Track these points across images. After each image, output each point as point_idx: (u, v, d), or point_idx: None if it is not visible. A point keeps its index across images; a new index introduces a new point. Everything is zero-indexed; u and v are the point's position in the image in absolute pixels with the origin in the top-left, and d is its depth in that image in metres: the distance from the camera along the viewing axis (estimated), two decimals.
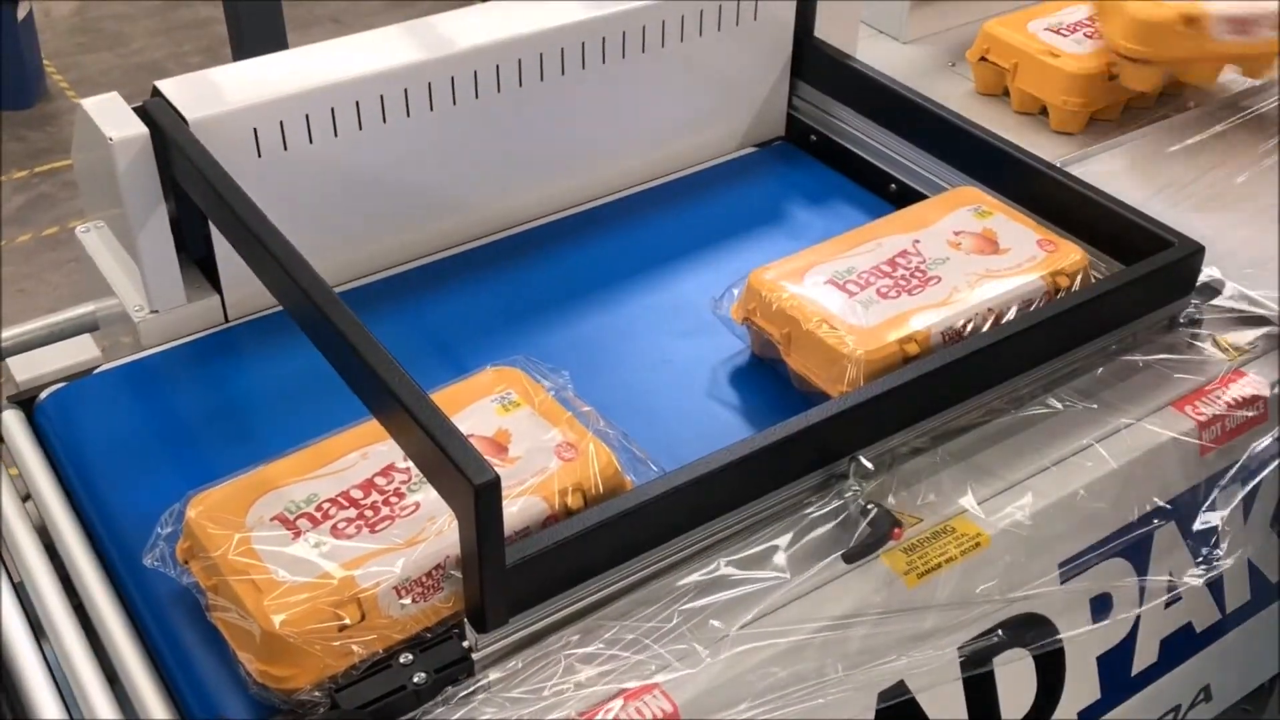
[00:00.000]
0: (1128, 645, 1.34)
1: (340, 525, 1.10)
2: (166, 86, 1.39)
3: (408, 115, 1.47)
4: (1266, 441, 1.36)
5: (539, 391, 1.24)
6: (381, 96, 1.45)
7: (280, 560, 1.06)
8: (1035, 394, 1.33)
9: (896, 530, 1.15)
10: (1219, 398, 1.35)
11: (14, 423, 1.36)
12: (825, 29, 1.75)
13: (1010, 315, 1.32)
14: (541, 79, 1.55)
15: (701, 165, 1.76)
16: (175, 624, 1.12)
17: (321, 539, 1.08)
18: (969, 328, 1.31)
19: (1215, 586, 1.41)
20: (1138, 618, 1.33)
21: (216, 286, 1.46)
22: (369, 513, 1.11)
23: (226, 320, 1.47)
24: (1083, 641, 1.28)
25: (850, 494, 1.19)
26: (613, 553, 1.09)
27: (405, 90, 1.46)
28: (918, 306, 1.32)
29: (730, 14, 1.67)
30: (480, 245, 1.60)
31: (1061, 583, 1.24)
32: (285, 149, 1.41)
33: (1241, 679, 1.55)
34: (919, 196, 1.60)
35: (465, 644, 1.04)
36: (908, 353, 1.27)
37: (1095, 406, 1.33)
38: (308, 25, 5.19)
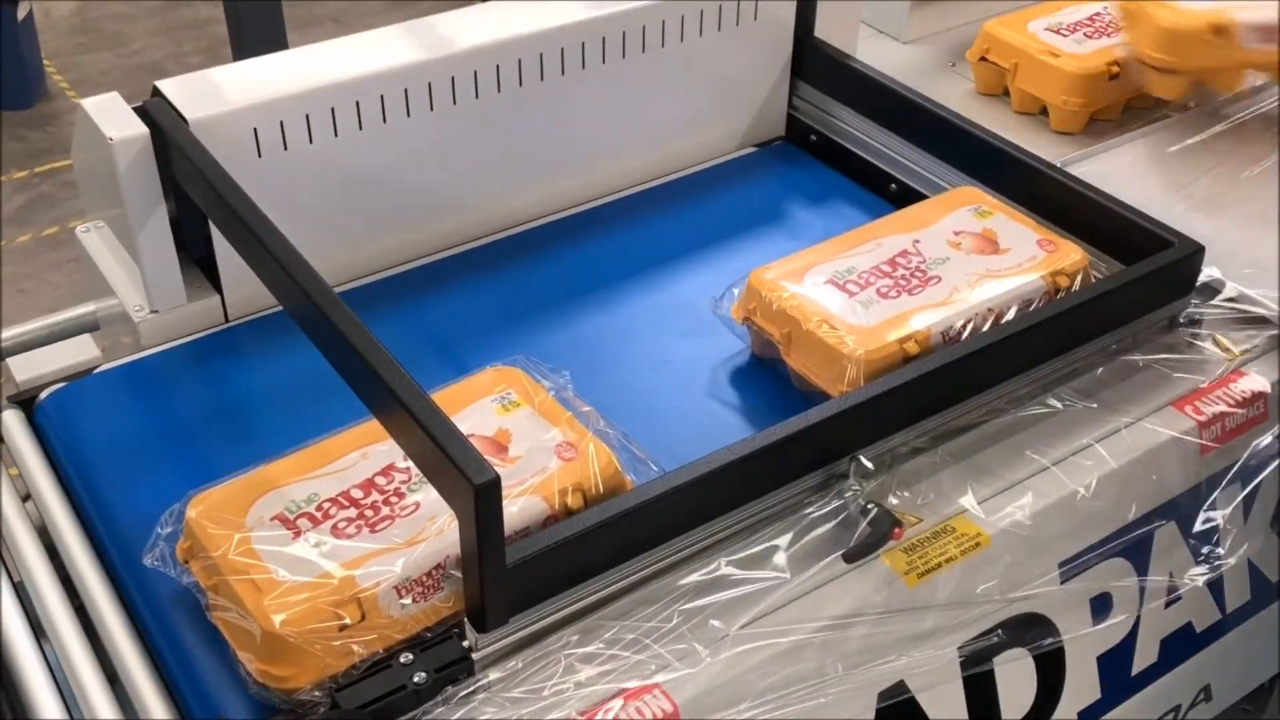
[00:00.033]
0: (1128, 645, 1.34)
1: (340, 525, 1.10)
2: (167, 86, 1.39)
3: (408, 115, 1.47)
4: (1266, 441, 1.36)
5: (539, 391, 1.24)
6: (382, 96, 1.45)
7: (280, 560, 1.06)
8: (1035, 394, 1.33)
9: (897, 530, 1.15)
10: (1219, 397, 1.35)
11: (14, 423, 1.36)
12: (825, 29, 1.75)
13: (1010, 315, 1.32)
14: (541, 79, 1.55)
15: (701, 165, 1.76)
16: (175, 624, 1.12)
17: (322, 539, 1.08)
18: (969, 328, 1.31)
19: (1215, 586, 1.41)
20: (1138, 618, 1.33)
21: (217, 286, 1.46)
22: (369, 512, 1.11)
23: (226, 320, 1.47)
24: (1083, 641, 1.28)
25: (850, 494, 1.19)
26: (613, 552, 1.09)
27: (405, 90, 1.46)
28: (918, 306, 1.32)
29: (730, 14, 1.67)
30: (480, 245, 1.60)
31: (1062, 583, 1.24)
32: (285, 149, 1.42)
33: (1241, 679, 1.55)
34: (919, 196, 1.60)
35: (465, 644, 1.04)
36: (908, 352, 1.27)
37: (1095, 406, 1.33)
38: (308, 25, 5.19)
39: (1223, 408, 1.34)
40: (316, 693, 1.02)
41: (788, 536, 1.16)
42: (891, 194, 1.67)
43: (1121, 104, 1.84)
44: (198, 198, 1.33)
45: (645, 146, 1.70)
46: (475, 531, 0.97)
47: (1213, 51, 1.71)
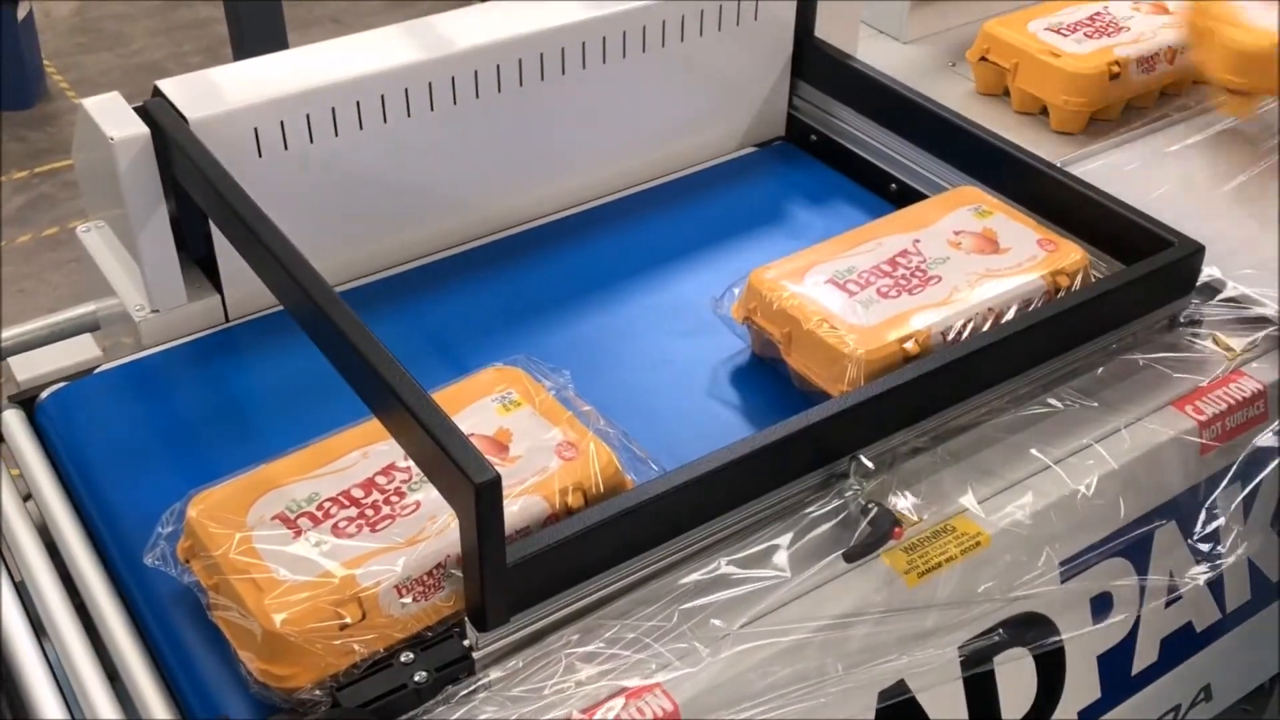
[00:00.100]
0: (1128, 645, 1.34)
1: (341, 524, 1.10)
2: (167, 86, 1.39)
3: (408, 115, 1.47)
4: (1267, 441, 1.36)
5: (540, 391, 1.24)
6: (382, 96, 1.45)
7: (281, 559, 1.06)
8: (1035, 393, 1.33)
9: (897, 529, 1.15)
10: (1219, 397, 1.35)
11: (15, 422, 1.36)
12: (825, 29, 1.75)
13: (1010, 315, 1.32)
14: (542, 79, 1.55)
15: (702, 165, 1.76)
16: (176, 623, 1.12)
17: (322, 538, 1.08)
18: (969, 327, 1.31)
19: (1215, 586, 1.41)
20: (1138, 617, 1.33)
21: (217, 286, 1.46)
22: (370, 512, 1.11)
23: (227, 320, 1.47)
24: (1083, 641, 1.28)
25: (850, 493, 1.19)
26: (613, 552, 1.09)
27: (406, 90, 1.46)
28: (918, 306, 1.32)
29: (730, 14, 1.67)
30: (480, 245, 1.60)
31: (1062, 582, 1.24)
32: (286, 149, 1.42)
33: (1242, 679, 1.55)
34: (919, 196, 1.60)
35: (466, 643, 1.04)
36: (908, 352, 1.27)
37: (1096, 406, 1.33)
38: (308, 25, 5.19)
39: (1223, 407, 1.34)
40: (317, 692, 1.02)
41: (788, 536, 1.16)
42: (892, 194, 1.67)
43: (1121, 104, 1.84)
44: (198, 197, 1.33)
45: (645, 146, 1.70)
46: (476, 531, 0.97)
47: None
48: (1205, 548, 1.34)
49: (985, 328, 1.31)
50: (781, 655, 1.09)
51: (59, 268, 4.13)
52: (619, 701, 1.03)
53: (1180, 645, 1.40)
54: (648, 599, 1.11)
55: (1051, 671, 1.27)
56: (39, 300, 3.99)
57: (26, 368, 1.45)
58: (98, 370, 1.41)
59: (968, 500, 1.22)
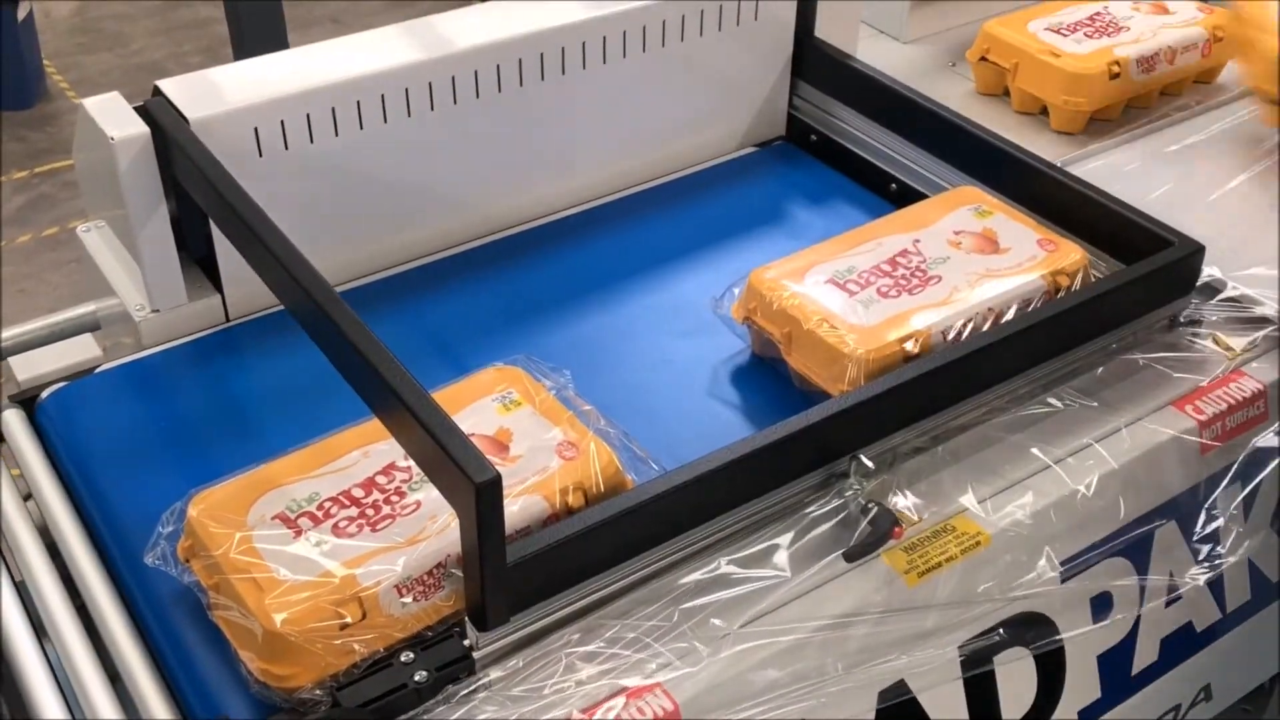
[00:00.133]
0: (1128, 644, 1.34)
1: (341, 524, 1.10)
2: (167, 86, 1.39)
3: (409, 115, 1.48)
4: (1267, 440, 1.36)
5: (540, 391, 1.24)
6: (382, 96, 1.45)
7: (281, 559, 1.06)
8: (1035, 393, 1.33)
9: (897, 529, 1.15)
10: (1219, 397, 1.35)
11: (15, 422, 1.36)
12: (825, 29, 1.76)
13: (1010, 314, 1.32)
14: (542, 79, 1.55)
15: (702, 165, 1.76)
16: (177, 623, 1.12)
17: (323, 538, 1.08)
18: (969, 327, 1.31)
19: (1215, 586, 1.41)
20: (1138, 617, 1.33)
21: (217, 286, 1.46)
22: (370, 511, 1.11)
23: (227, 319, 1.47)
24: (1083, 640, 1.28)
25: (851, 493, 1.19)
26: (613, 551, 1.10)
27: (406, 90, 1.46)
28: (918, 306, 1.32)
29: (730, 14, 1.67)
30: (480, 245, 1.60)
31: (1062, 582, 1.24)
32: (286, 148, 1.42)
33: (1242, 678, 1.55)
34: (919, 196, 1.60)
35: (466, 642, 1.04)
36: (908, 352, 1.27)
37: (1096, 405, 1.33)
38: (308, 25, 5.19)
39: (1223, 407, 1.34)
40: (318, 691, 1.02)
41: (788, 535, 1.16)
42: (892, 194, 1.67)
43: (1121, 104, 1.84)
44: (198, 197, 1.33)
45: (645, 146, 1.70)
46: (476, 530, 0.97)
47: None
48: (1205, 548, 1.34)
49: (985, 327, 1.31)
50: (782, 655, 1.09)
51: (59, 268, 4.13)
52: (619, 701, 1.03)
53: (1180, 645, 1.40)
54: (648, 598, 1.11)
55: (1051, 671, 1.27)
56: (39, 300, 3.99)
57: (26, 368, 1.45)
58: (98, 370, 1.41)
59: (968, 500, 1.22)
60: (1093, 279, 1.39)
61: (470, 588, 1.03)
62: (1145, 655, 1.36)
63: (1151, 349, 1.38)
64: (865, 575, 1.15)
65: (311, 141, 1.43)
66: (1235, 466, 1.35)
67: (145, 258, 1.39)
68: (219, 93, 1.40)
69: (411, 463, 1.13)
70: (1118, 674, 1.34)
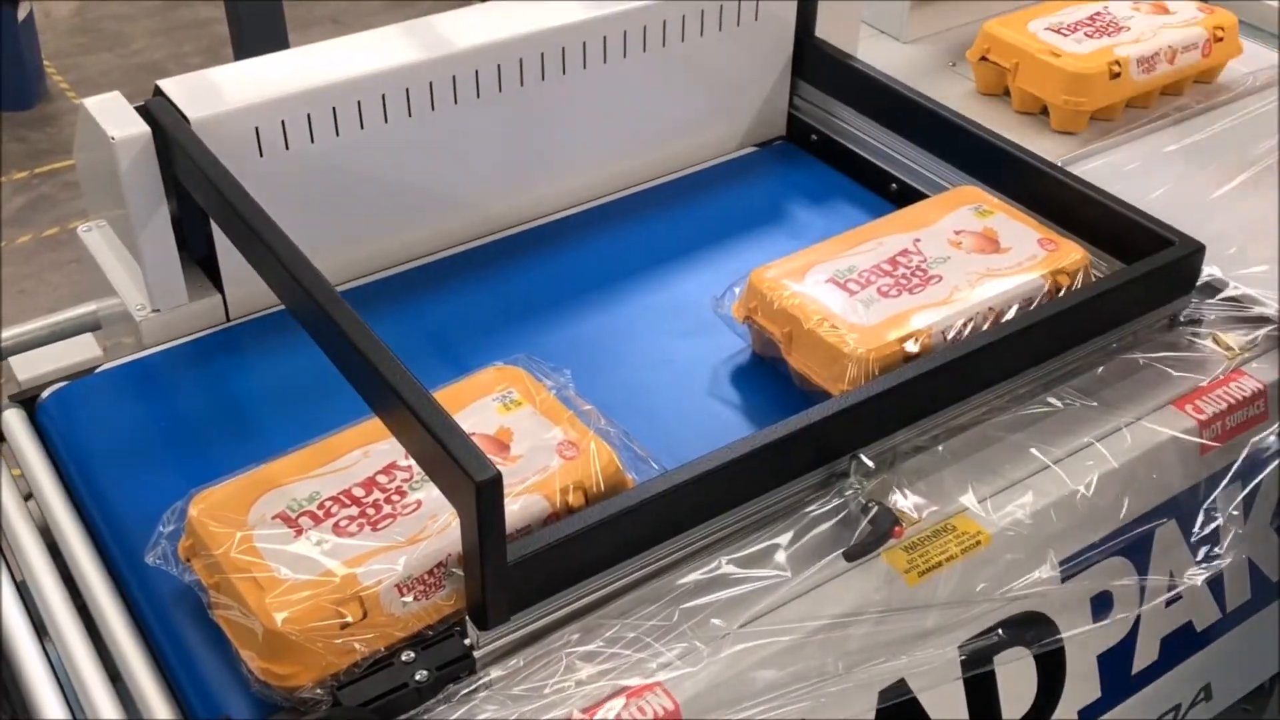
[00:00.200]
0: (1128, 644, 1.34)
1: (342, 523, 1.10)
2: (168, 86, 1.39)
3: (409, 115, 1.48)
4: (1267, 440, 1.36)
5: (540, 390, 1.24)
6: (383, 96, 1.45)
7: (282, 558, 1.06)
8: (1036, 392, 1.33)
9: (897, 528, 1.16)
10: (1219, 396, 1.35)
11: (16, 422, 1.36)
12: (826, 29, 1.76)
13: (1011, 314, 1.32)
14: (542, 79, 1.55)
15: (702, 165, 1.76)
16: (177, 622, 1.12)
17: (323, 537, 1.08)
18: (970, 326, 1.31)
19: (1215, 585, 1.41)
20: (1138, 617, 1.33)
21: (218, 285, 1.46)
22: (371, 511, 1.11)
23: (228, 319, 1.47)
24: (1083, 640, 1.28)
25: (851, 492, 1.19)
26: (614, 551, 1.10)
27: (406, 90, 1.46)
28: (919, 305, 1.32)
29: (731, 14, 1.67)
30: (480, 245, 1.60)
31: (1062, 581, 1.24)
32: (286, 148, 1.42)
33: (1242, 678, 1.55)
34: (920, 196, 1.60)
35: (467, 641, 1.04)
36: (908, 351, 1.27)
37: (1096, 405, 1.33)
38: (308, 25, 5.20)
39: (1223, 407, 1.34)
40: (318, 691, 1.02)
41: (788, 535, 1.16)
42: (892, 193, 1.67)
43: (1122, 104, 1.84)
44: (199, 197, 1.33)
45: (646, 146, 1.71)
46: (477, 529, 0.97)
47: None
48: (1205, 547, 1.34)
49: (986, 327, 1.31)
50: (782, 654, 1.09)
51: (59, 268, 4.13)
52: (619, 700, 1.03)
53: (1180, 645, 1.40)
54: (648, 598, 1.11)
55: (1052, 671, 1.27)
56: (39, 300, 3.99)
57: (27, 367, 1.45)
58: (98, 370, 1.42)
59: (968, 499, 1.22)
60: (1093, 278, 1.39)
61: (471, 587, 1.03)
62: (1145, 655, 1.36)
63: (1152, 348, 1.39)
64: (865, 575, 1.15)
65: (312, 141, 1.43)
66: (1235, 466, 1.35)
67: (146, 257, 1.39)
68: (220, 93, 1.40)
69: (412, 462, 1.13)
70: (1118, 674, 1.34)
